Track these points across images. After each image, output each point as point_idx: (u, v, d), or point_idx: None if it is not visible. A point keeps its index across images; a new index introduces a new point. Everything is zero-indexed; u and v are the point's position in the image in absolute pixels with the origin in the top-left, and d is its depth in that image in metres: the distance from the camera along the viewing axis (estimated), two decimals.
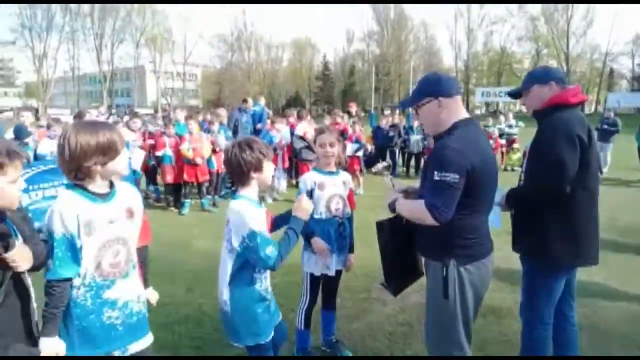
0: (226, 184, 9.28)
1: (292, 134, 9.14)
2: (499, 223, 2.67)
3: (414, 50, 68.28)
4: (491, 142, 11.48)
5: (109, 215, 1.86)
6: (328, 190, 2.93)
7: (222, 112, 9.84)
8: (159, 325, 2.11)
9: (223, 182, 9.01)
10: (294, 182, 9.63)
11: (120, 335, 1.92)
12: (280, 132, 8.93)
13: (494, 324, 3.55)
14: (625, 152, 12.67)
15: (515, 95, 2.85)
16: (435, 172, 2.03)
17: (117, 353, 1.93)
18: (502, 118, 14.21)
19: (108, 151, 1.81)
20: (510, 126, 13.54)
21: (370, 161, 11.10)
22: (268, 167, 2.25)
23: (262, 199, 2.40)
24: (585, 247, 2.52)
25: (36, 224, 5.74)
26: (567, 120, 2.43)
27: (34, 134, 7.14)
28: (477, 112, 53.21)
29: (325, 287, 3.10)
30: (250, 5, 68.91)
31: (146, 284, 2.29)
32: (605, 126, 12.09)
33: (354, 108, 12.61)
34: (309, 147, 7.99)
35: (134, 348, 1.98)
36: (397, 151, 12.44)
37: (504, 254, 3.03)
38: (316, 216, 2.89)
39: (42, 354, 1.75)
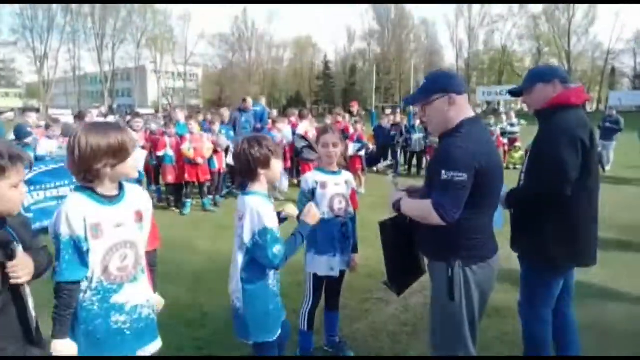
0: (227, 184, 9.27)
1: (293, 133, 9.12)
2: (501, 225, 2.64)
3: (414, 49, 68.33)
4: None
5: (116, 218, 1.82)
6: (330, 189, 2.91)
7: (225, 112, 9.83)
8: (160, 327, 2.08)
9: (224, 182, 8.99)
10: (295, 181, 9.61)
11: (128, 340, 1.89)
12: (282, 132, 8.92)
13: (498, 324, 3.52)
14: (627, 151, 12.65)
15: (516, 93, 2.82)
16: (443, 172, 1.98)
17: None
18: (503, 117, 14.19)
19: (118, 153, 1.77)
20: (512, 125, 13.53)
21: (371, 160, 11.10)
22: (276, 164, 2.28)
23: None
24: (583, 247, 2.52)
25: (37, 225, 5.74)
26: (570, 122, 2.42)
27: (36, 135, 7.13)
28: (478, 110, 53.20)
29: (328, 288, 3.07)
30: (251, 5, 68.48)
31: (154, 289, 2.26)
32: (608, 124, 12.08)
33: (355, 107, 12.59)
34: (310, 147, 7.97)
35: (142, 353, 1.95)
36: (398, 150, 12.44)
37: (506, 253, 3.02)
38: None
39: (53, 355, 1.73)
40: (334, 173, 2.98)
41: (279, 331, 2.33)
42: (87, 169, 1.74)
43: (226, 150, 8.63)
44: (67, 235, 1.73)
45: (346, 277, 3.18)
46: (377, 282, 4.10)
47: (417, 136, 11.99)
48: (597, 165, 2.58)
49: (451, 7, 63.07)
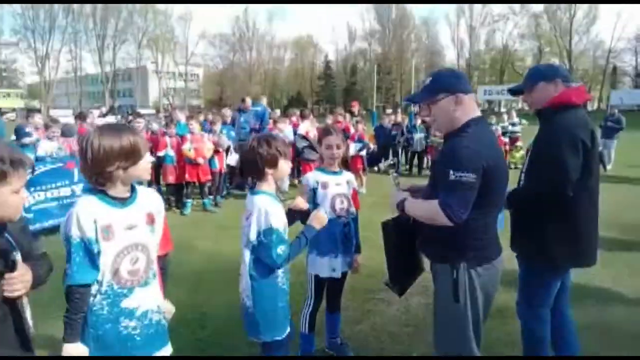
0: (227, 184, 9.26)
1: (294, 133, 9.10)
2: (502, 225, 2.63)
3: (415, 49, 68.31)
4: None
5: (128, 220, 1.79)
6: (331, 189, 2.89)
7: (227, 112, 9.82)
8: None
9: (225, 182, 8.98)
10: (295, 181, 9.60)
11: (138, 346, 1.85)
12: (283, 132, 8.91)
13: (500, 325, 3.49)
14: (629, 149, 12.63)
15: (516, 92, 2.80)
16: (451, 172, 1.94)
17: None
18: (505, 116, 14.16)
19: (131, 155, 1.75)
20: (513, 124, 13.50)
21: (372, 160, 11.08)
22: (283, 165, 2.29)
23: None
24: (584, 248, 2.51)
25: (37, 225, 5.72)
26: (571, 123, 2.40)
27: (38, 135, 7.12)
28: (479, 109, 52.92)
29: (330, 289, 3.05)
30: (253, 5, 68.50)
31: (163, 294, 2.20)
32: (610, 123, 12.06)
33: (356, 107, 12.57)
34: (311, 147, 7.97)
35: None
36: (400, 150, 12.43)
37: (508, 254, 3.00)
38: None
39: None
40: (335, 173, 2.97)
41: (288, 329, 2.35)
42: (99, 171, 1.72)
43: (227, 151, 8.63)
44: (78, 237, 1.70)
45: (347, 278, 3.16)
46: (378, 283, 4.08)
47: (418, 136, 11.97)
48: (598, 165, 2.56)
49: (452, 7, 63.11)
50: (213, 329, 3.53)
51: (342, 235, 2.90)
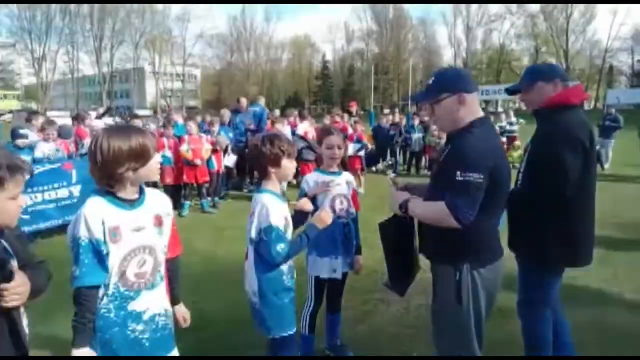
0: (226, 185, 9.24)
1: (292, 133, 9.08)
2: (502, 224, 2.63)
3: (413, 49, 68.34)
4: None
5: (135, 222, 1.77)
6: (331, 190, 2.87)
7: (225, 112, 9.80)
8: None
9: (223, 183, 8.96)
10: (294, 181, 9.58)
11: (146, 351, 1.82)
12: (281, 132, 8.89)
13: (500, 324, 3.48)
14: (626, 149, 12.65)
15: (513, 91, 2.79)
16: (458, 172, 1.91)
17: None
18: (503, 116, 14.18)
19: (141, 156, 1.73)
20: (511, 123, 13.52)
21: (370, 160, 11.08)
22: (287, 164, 2.31)
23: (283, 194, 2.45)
24: (580, 248, 2.51)
25: (33, 227, 5.67)
26: (570, 123, 2.40)
27: (37, 136, 7.08)
28: None
29: (330, 290, 3.04)
30: (250, 5, 68.37)
31: (178, 299, 2.18)
32: (608, 122, 12.10)
33: (354, 107, 12.58)
34: (309, 147, 7.96)
35: None
36: (397, 150, 12.45)
37: (507, 253, 3.00)
38: None
39: None
40: (334, 174, 2.95)
41: (295, 328, 2.37)
42: (110, 173, 1.70)
43: (224, 151, 8.61)
44: (86, 238, 1.67)
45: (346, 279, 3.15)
46: (378, 283, 4.07)
47: (416, 136, 12.00)
48: (595, 165, 2.57)
49: (449, 7, 63.16)
50: (213, 330, 3.51)
51: (342, 236, 2.89)
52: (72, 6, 57.36)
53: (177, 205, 7.89)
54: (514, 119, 13.66)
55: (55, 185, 6.27)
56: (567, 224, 2.43)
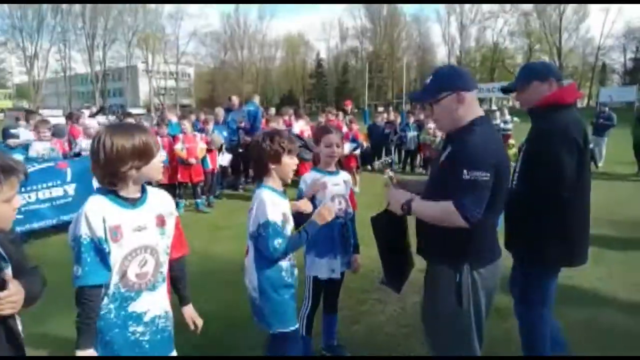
0: (221, 184, 9.20)
1: (288, 132, 9.04)
2: (500, 223, 2.63)
3: (407, 46, 68.40)
4: None
5: (137, 222, 1.74)
6: (329, 190, 2.85)
7: (220, 111, 9.76)
8: None
9: (218, 182, 8.92)
10: (288, 181, 9.56)
11: (145, 353, 1.80)
12: None
13: (498, 323, 3.49)
14: (619, 147, 12.71)
15: (508, 90, 2.80)
16: (465, 171, 1.88)
17: None
18: (497, 114, 14.21)
19: (144, 155, 1.71)
20: (505, 122, 13.54)
21: (366, 159, 11.08)
22: (287, 161, 2.31)
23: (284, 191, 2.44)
24: (576, 248, 2.52)
25: (27, 226, 5.61)
26: (565, 123, 2.40)
27: (32, 136, 7.02)
28: None
29: (328, 291, 3.03)
30: (245, 5, 68.10)
31: (187, 300, 2.16)
32: (601, 120, 12.16)
33: (350, 106, 12.58)
34: (305, 146, 7.94)
35: None
36: (393, 148, 12.46)
37: (504, 252, 3.01)
38: None
39: None
40: (331, 173, 2.93)
41: (298, 324, 2.39)
42: (113, 172, 1.68)
43: (219, 150, 8.57)
44: (88, 237, 1.64)
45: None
46: (374, 283, 4.07)
47: (411, 134, 12.01)
48: (589, 164, 2.58)
49: (443, 5, 63.26)
50: (211, 332, 3.48)
51: (340, 236, 2.87)
52: (64, 4, 56.90)
53: None
54: (508, 117, 13.68)
55: (50, 184, 6.19)
56: (563, 223, 2.43)
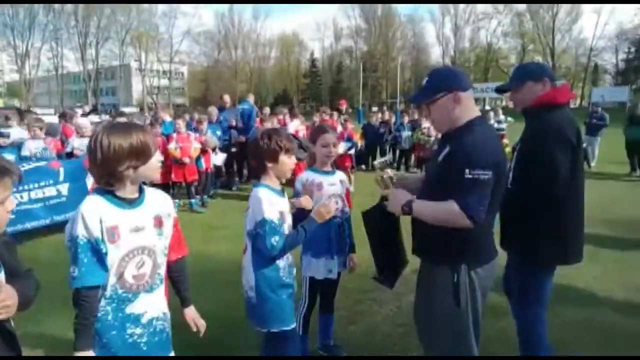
0: (215, 184, 9.17)
1: None
2: (495, 222, 2.64)
3: (401, 47, 68.58)
4: None
5: (134, 222, 1.72)
6: (326, 190, 2.84)
7: (213, 110, 9.72)
8: None
9: (212, 181, 8.88)
10: (283, 180, 9.55)
11: (144, 355, 1.78)
12: None
13: (493, 322, 3.50)
14: (612, 146, 12.81)
15: (502, 90, 2.81)
16: (467, 170, 1.87)
17: None
18: (491, 114, 14.26)
19: (142, 154, 1.69)
20: (499, 122, 13.60)
21: (360, 158, 11.09)
22: (285, 160, 2.31)
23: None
24: (571, 246, 2.53)
25: (19, 227, 5.53)
26: (558, 122, 2.41)
27: (26, 135, 6.95)
28: None
29: (324, 291, 3.02)
30: (239, 4, 67.91)
31: (188, 301, 2.12)
32: (594, 120, 12.25)
33: (344, 105, 12.59)
34: (300, 146, 7.91)
35: None
36: (387, 148, 12.47)
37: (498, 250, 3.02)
38: None
39: None
40: (327, 173, 2.92)
41: (295, 324, 2.38)
42: (110, 171, 1.65)
43: (213, 149, 8.54)
44: (85, 237, 1.62)
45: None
46: (370, 282, 4.04)
47: (406, 133, 12.03)
48: (582, 163, 2.60)
49: (437, 5, 63.50)
50: (211, 330, 3.45)
51: (337, 236, 2.87)
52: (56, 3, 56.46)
53: None
54: (502, 117, 13.74)
55: (42, 183, 6.09)
56: (557, 222, 2.44)
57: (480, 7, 60.65)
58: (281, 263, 2.32)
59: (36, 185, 6.05)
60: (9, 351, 1.54)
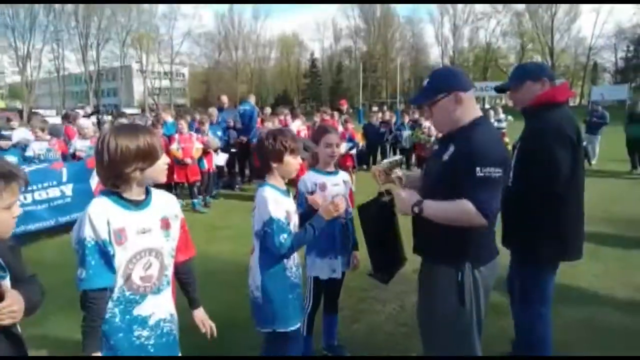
0: (218, 184, 9.19)
1: None
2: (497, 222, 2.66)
3: (400, 47, 68.56)
4: None
5: (141, 224, 1.72)
6: (330, 191, 2.84)
7: (214, 111, 9.75)
8: None
9: (215, 182, 8.91)
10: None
11: (151, 357, 1.78)
12: None
13: (494, 321, 3.51)
14: (612, 144, 12.80)
15: (502, 90, 2.83)
16: (478, 168, 1.87)
17: None
18: (491, 112, 14.26)
19: (148, 156, 1.69)
20: (499, 120, 13.60)
21: (361, 158, 11.09)
22: (290, 160, 2.31)
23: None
24: (572, 243, 2.55)
25: (21, 228, 5.50)
26: (557, 121, 2.44)
27: (31, 136, 6.96)
28: None
29: (328, 291, 3.03)
30: (239, 5, 67.84)
31: (197, 303, 2.11)
32: (594, 119, 12.24)
33: (345, 106, 12.60)
34: (303, 146, 7.93)
35: None
36: (388, 147, 12.49)
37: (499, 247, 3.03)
38: None
39: None
40: (330, 174, 2.93)
41: (299, 324, 2.39)
42: (117, 173, 1.66)
43: (215, 150, 8.56)
44: (92, 239, 1.62)
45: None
46: (372, 281, 4.06)
47: (406, 133, 12.05)
48: (583, 161, 2.62)
49: (436, 5, 63.46)
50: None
51: (341, 236, 2.88)
52: (57, 4, 56.37)
53: None
54: (502, 116, 13.74)
55: (45, 184, 6.10)
56: (557, 220, 2.46)
57: (479, 7, 60.68)
58: (288, 263, 2.32)
59: (39, 186, 6.05)
60: (15, 354, 1.55)
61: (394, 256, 2.49)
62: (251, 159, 9.38)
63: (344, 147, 8.72)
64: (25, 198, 5.91)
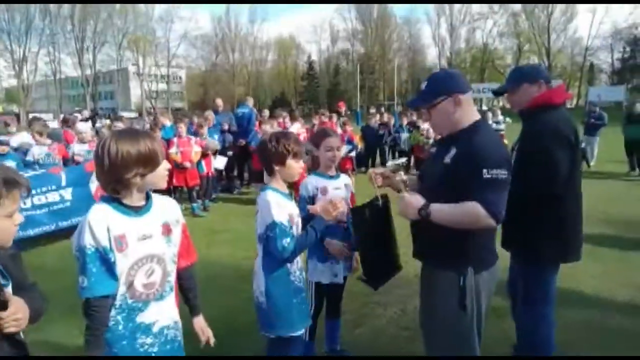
0: (216, 188, 9.18)
1: None
2: None
3: (397, 48, 68.70)
4: None
5: (142, 230, 1.69)
6: (331, 194, 2.81)
7: (210, 115, 9.75)
8: None
9: (213, 186, 8.90)
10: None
11: (152, 357, 1.76)
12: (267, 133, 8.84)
13: (495, 323, 3.51)
14: (610, 146, 12.84)
15: (499, 93, 2.85)
16: (485, 170, 1.87)
17: None
18: (489, 114, 14.29)
19: (149, 162, 1.66)
20: (497, 122, 13.63)
21: (360, 160, 11.11)
22: (293, 164, 2.29)
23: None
24: (571, 244, 2.57)
25: (21, 234, 5.46)
26: (555, 122, 2.45)
27: (31, 140, 6.94)
28: None
29: (330, 295, 3.02)
30: (235, 5, 67.88)
31: (197, 310, 2.09)
32: (592, 120, 12.27)
33: (343, 108, 12.61)
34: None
35: None
36: (387, 149, 12.50)
37: (499, 251, 3.03)
38: None
39: None
40: (331, 177, 2.92)
41: (303, 330, 2.37)
42: (117, 179, 1.63)
43: (214, 154, 8.56)
44: (93, 247, 1.60)
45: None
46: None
47: (405, 135, 12.08)
48: (580, 161, 2.64)
49: (432, 6, 63.64)
50: (214, 335, 3.48)
51: (342, 240, 2.85)
52: (53, 6, 56.21)
53: None
54: (500, 118, 13.78)
55: (44, 189, 6.08)
56: (557, 221, 2.47)
57: (476, 7, 60.85)
58: (292, 267, 2.31)
59: (38, 191, 6.03)
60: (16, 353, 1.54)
61: (386, 262, 2.47)
62: (250, 163, 9.37)
63: (343, 149, 8.74)
64: (24, 203, 5.87)
